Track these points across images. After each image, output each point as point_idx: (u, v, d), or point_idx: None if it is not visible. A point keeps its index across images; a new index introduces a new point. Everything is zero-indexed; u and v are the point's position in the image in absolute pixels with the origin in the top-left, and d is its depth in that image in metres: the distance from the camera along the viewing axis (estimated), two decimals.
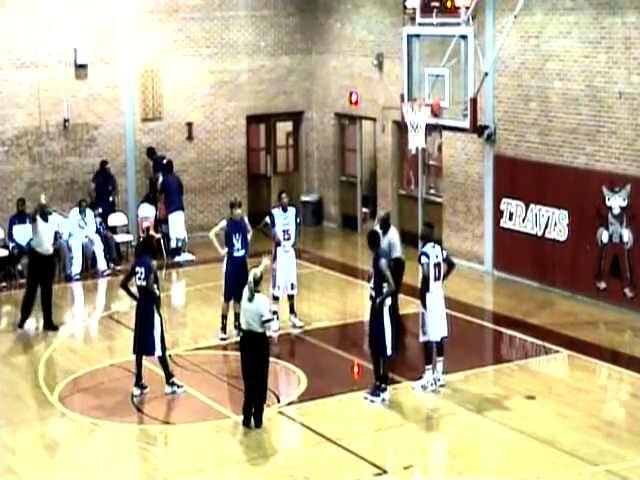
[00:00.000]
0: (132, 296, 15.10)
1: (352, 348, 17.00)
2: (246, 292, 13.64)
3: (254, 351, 13.56)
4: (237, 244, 17.15)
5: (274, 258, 17.71)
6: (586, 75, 18.87)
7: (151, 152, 23.78)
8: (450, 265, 15.29)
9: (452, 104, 19.01)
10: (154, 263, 14.95)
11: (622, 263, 18.43)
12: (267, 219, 17.73)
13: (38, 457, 13.19)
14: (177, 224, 23.05)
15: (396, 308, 16.01)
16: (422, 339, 15.06)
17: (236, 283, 17.13)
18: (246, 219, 17.61)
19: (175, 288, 21.67)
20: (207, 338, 17.41)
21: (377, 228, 16.87)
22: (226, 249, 17.21)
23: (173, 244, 23.04)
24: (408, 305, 17.67)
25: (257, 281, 13.60)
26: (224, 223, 17.34)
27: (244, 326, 13.59)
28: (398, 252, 17.25)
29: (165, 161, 23.48)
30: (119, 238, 22.84)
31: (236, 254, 17.17)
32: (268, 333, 14.01)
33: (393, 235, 17.33)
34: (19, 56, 22.45)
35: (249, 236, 17.41)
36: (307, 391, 14.97)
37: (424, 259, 14.85)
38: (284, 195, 17.95)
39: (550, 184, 19.63)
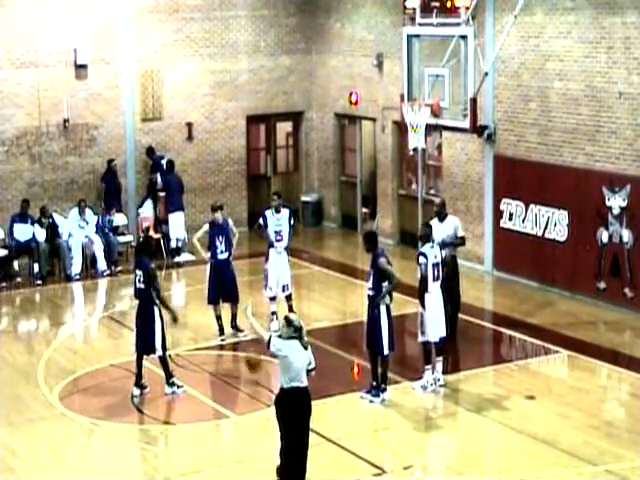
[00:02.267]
0: (166, 306, 15.05)
1: (352, 348, 17.00)
2: (293, 344, 11.41)
3: (300, 410, 11.46)
4: (220, 246, 17.18)
5: (266, 259, 17.76)
6: (586, 75, 18.87)
7: (150, 151, 23.79)
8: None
9: (452, 104, 19.01)
10: (153, 265, 14.96)
11: (622, 263, 18.43)
12: (260, 220, 17.78)
13: (38, 457, 13.19)
14: (177, 224, 23.05)
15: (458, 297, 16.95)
16: (421, 339, 15.06)
17: (220, 285, 17.24)
18: (231, 222, 17.63)
19: (175, 288, 21.67)
20: (207, 338, 17.42)
21: (435, 219, 17.01)
22: (209, 253, 17.26)
23: (173, 244, 23.04)
24: (407, 305, 17.66)
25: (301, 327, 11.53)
26: (207, 227, 17.39)
27: (287, 384, 11.35)
28: (462, 232, 17.23)
29: (165, 161, 23.49)
30: (119, 238, 22.82)
31: (220, 256, 17.21)
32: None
33: (453, 220, 17.21)
34: (19, 56, 22.44)
35: (235, 239, 17.47)
36: None
37: (422, 259, 14.84)
38: (276, 197, 17.99)
39: (550, 184, 19.63)
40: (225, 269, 17.26)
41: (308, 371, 11.53)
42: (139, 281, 14.79)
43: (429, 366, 14.97)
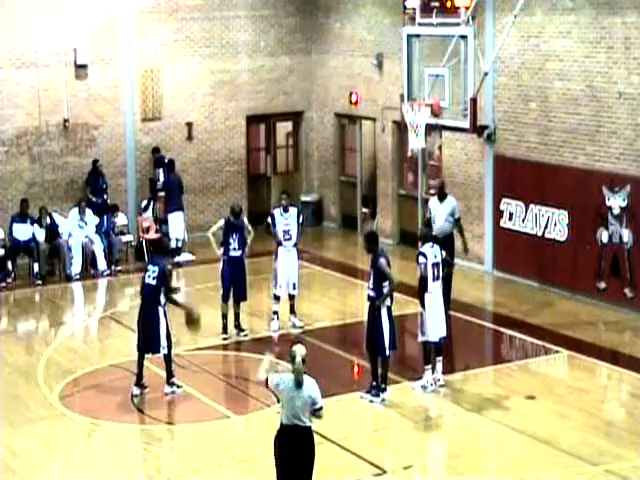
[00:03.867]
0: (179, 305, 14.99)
1: (352, 348, 16.99)
2: (289, 378, 10.45)
3: (299, 451, 10.42)
4: (234, 244, 17.22)
5: (276, 258, 17.78)
6: (586, 75, 18.87)
7: (155, 151, 23.82)
8: (449, 265, 15.39)
9: (452, 104, 19.02)
10: (169, 265, 14.95)
11: (622, 263, 18.43)
12: (268, 219, 17.81)
13: (38, 457, 13.19)
14: (177, 224, 23.05)
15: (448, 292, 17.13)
16: (420, 339, 15.06)
17: (233, 283, 17.26)
18: (246, 220, 17.70)
19: None
20: (207, 338, 17.40)
21: (434, 198, 18.60)
22: (222, 249, 17.29)
23: (173, 244, 23.04)
24: (407, 305, 17.66)
25: (303, 361, 10.45)
26: (222, 222, 17.43)
27: (286, 420, 10.40)
28: (459, 213, 18.62)
29: (166, 160, 23.49)
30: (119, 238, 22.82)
31: (233, 254, 17.24)
32: (310, 424, 10.63)
33: (452, 200, 18.49)
34: (19, 56, 22.43)
35: (249, 237, 17.49)
36: None
37: (422, 259, 14.84)
38: (284, 196, 18.01)
39: (550, 184, 19.63)
40: (237, 267, 17.27)
41: (315, 411, 10.51)
42: (150, 277, 14.72)
43: (429, 366, 14.97)
